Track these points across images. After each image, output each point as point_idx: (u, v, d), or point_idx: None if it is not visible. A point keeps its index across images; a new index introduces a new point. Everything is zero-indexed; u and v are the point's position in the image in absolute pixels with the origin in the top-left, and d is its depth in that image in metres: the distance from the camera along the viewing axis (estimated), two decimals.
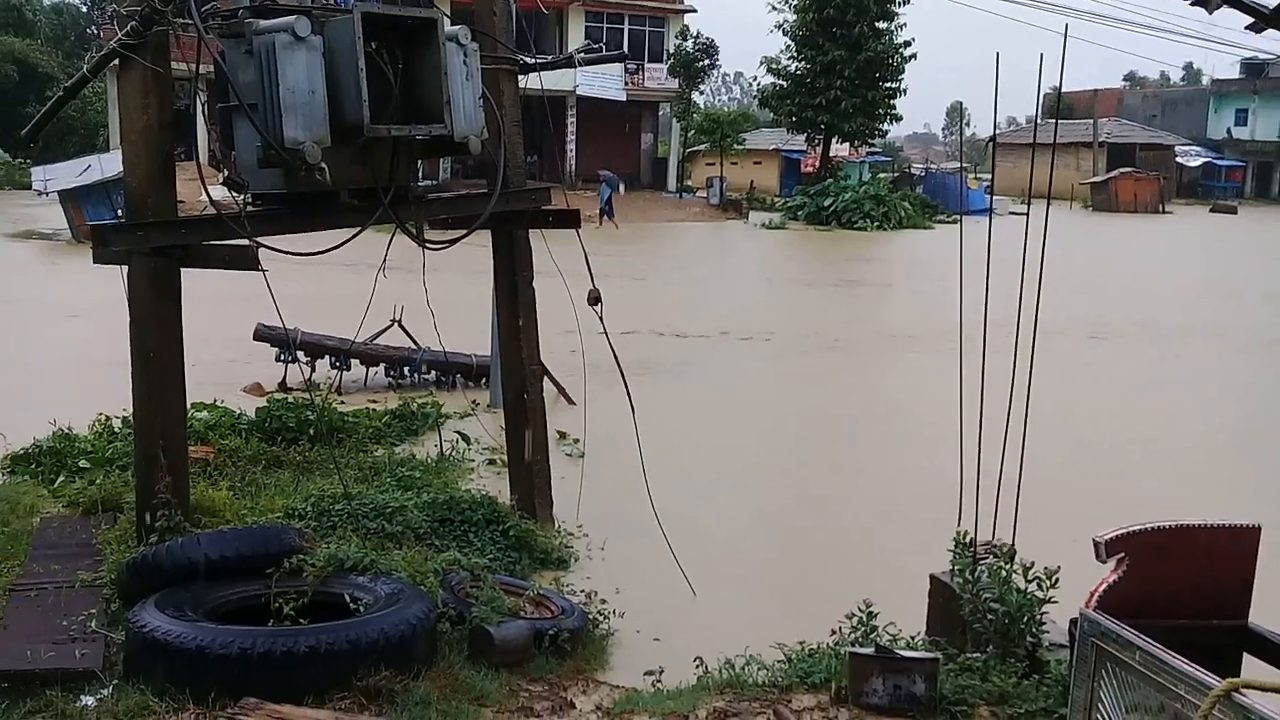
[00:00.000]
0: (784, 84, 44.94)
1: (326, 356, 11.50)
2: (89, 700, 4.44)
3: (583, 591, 6.04)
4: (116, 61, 5.91)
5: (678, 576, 6.30)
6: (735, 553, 7.28)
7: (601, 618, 5.70)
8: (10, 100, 55.10)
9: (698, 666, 5.03)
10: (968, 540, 5.04)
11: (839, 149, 47.73)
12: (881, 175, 49.66)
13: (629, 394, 6.81)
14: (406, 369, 11.77)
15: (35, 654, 4.63)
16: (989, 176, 56.63)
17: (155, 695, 4.40)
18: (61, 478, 7.76)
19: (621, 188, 36.42)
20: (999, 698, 4.52)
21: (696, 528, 7.33)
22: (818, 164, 46.75)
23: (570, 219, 7.13)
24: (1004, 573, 4.89)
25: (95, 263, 6.21)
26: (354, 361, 11.61)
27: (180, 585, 4.97)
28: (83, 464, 7.93)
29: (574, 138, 41.63)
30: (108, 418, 8.78)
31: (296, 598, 4.95)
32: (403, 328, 11.99)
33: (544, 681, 4.97)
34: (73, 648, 4.75)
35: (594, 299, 6.98)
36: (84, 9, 67.54)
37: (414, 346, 11.89)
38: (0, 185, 42.01)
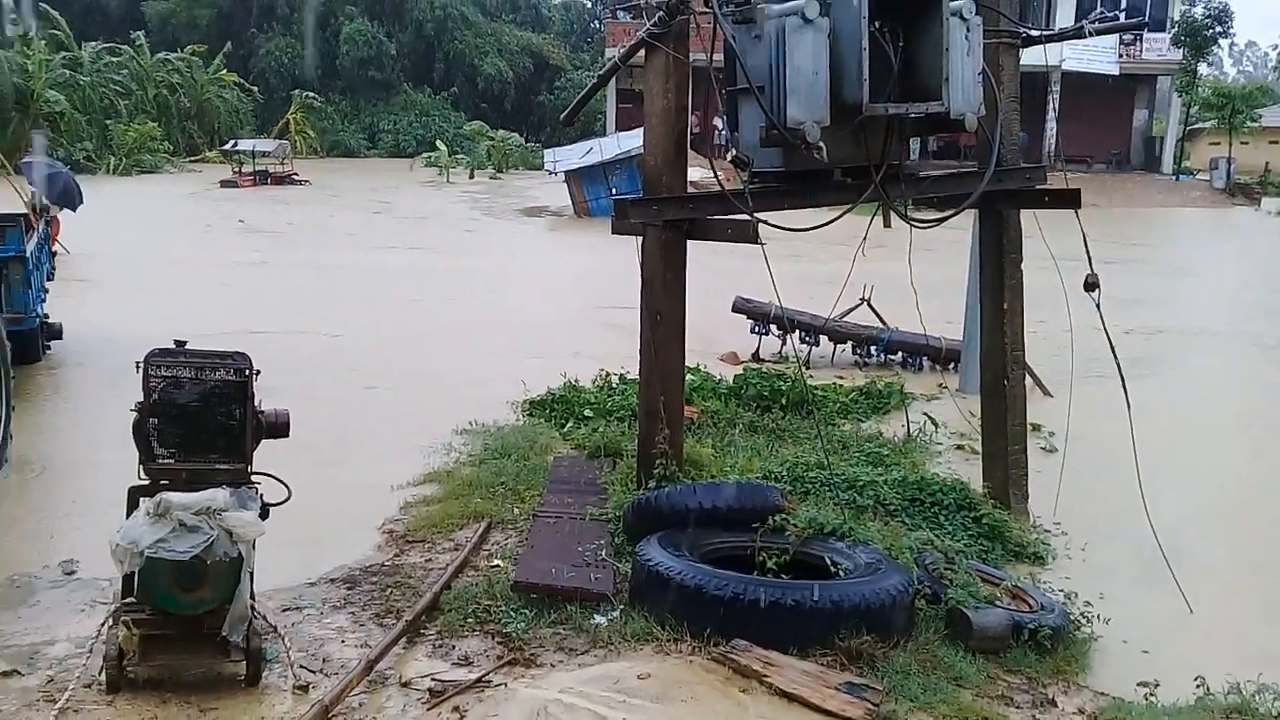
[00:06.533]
0: None
1: (797, 331, 11.90)
2: (601, 620, 5.01)
3: (1061, 591, 5.76)
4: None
5: (1170, 588, 5.81)
6: (1236, 571, 6.56)
7: (1084, 620, 5.40)
8: (525, 90, 62.29)
9: (1198, 686, 4.63)
10: None
11: None
12: None
13: (1125, 389, 6.34)
14: (873, 348, 11.86)
15: (558, 573, 5.31)
16: None
17: (657, 624, 4.88)
18: (570, 423, 8.75)
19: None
20: None
21: (1189, 539, 6.68)
22: None
23: (1070, 199, 6.76)
24: None
25: (614, 233, 6.90)
26: (822, 338, 11.91)
27: (676, 528, 5.44)
28: (586, 413, 8.88)
29: (1055, 115, 39.11)
30: (608, 373, 9.75)
31: (779, 554, 5.23)
32: (872, 307, 12.10)
33: (1022, 674, 4.83)
34: (588, 572, 5.38)
35: (1091, 284, 6.57)
36: (589, 4, 74.42)
37: (882, 326, 11.95)
38: (515, 166, 47.44)
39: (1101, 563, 6.43)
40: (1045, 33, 7.47)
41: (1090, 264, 6.54)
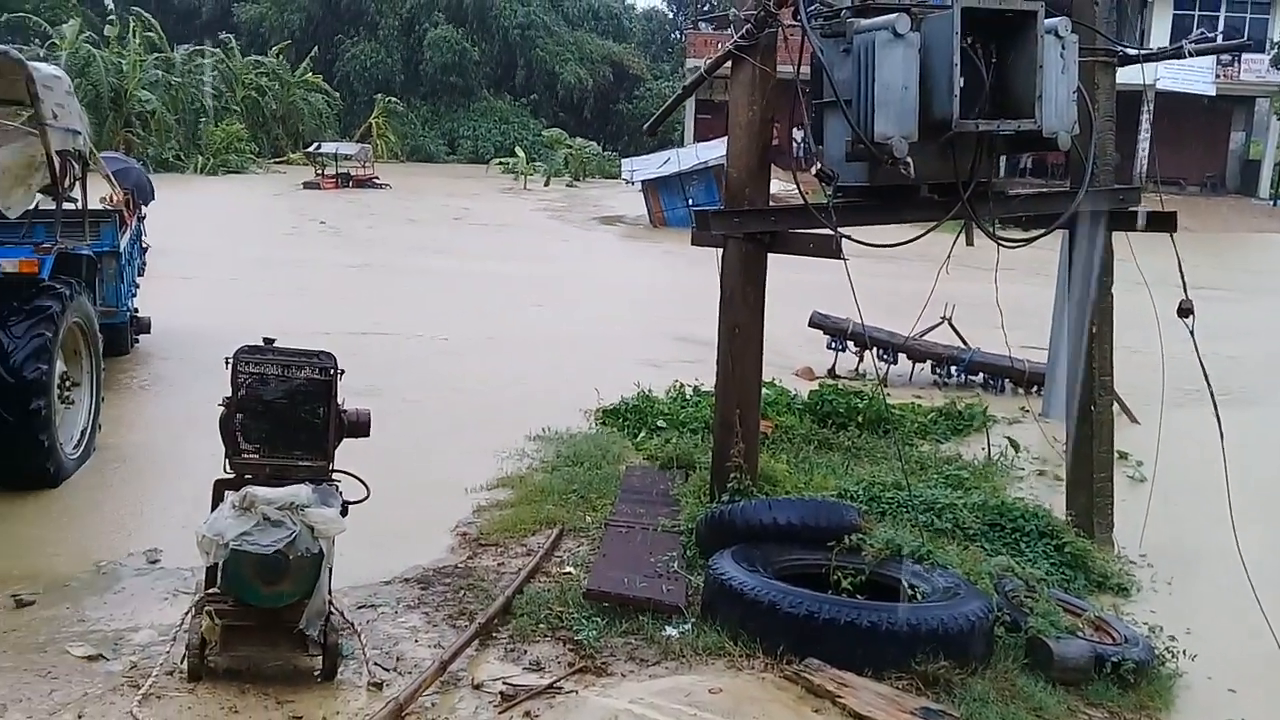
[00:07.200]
0: None
1: (874, 348, 11.74)
2: (672, 631, 4.99)
3: (1145, 624, 5.59)
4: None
5: (1259, 625, 5.59)
6: None
7: (1168, 655, 5.24)
8: (605, 98, 62.61)
9: None
10: None
11: None
12: None
13: (1218, 418, 6.15)
14: (953, 368, 11.66)
15: (630, 583, 5.30)
16: None
17: (729, 638, 4.84)
18: (642, 433, 8.75)
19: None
20: None
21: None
22: None
23: (1165, 221, 6.60)
24: None
25: (694, 244, 6.90)
26: (900, 356, 11.74)
27: (750, 543, 5.40)
28: (660, 423, 8.89)
29: (1147, 135, 38.17)
30: (681, 384, 9.74)
31: (854, 574, 5.16)
32: (953, 326, 11.90)
33: (1103, 708, 4.70)
34: (660, 583, 5.37)
35: (1185, 310, 6.38)
36: (670, 15, 74.63)
37: (963, 346, 11.75)
38: (591, 174, 47.65)
39: (1188, 596, 6.25)
40: (1143, 51, 7.30)
41: (1185, 289, 6.36)
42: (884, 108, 5.48)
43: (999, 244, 6.41)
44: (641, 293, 18.31)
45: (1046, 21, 5.69)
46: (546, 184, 42.79)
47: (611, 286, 18.99)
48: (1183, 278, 6.32)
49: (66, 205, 8.59)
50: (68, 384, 7.45)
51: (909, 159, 5.51)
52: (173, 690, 4.42)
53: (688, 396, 9.56)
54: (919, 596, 4.97)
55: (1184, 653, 5.26)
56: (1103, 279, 6.88)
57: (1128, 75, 7.19)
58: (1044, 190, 7.50)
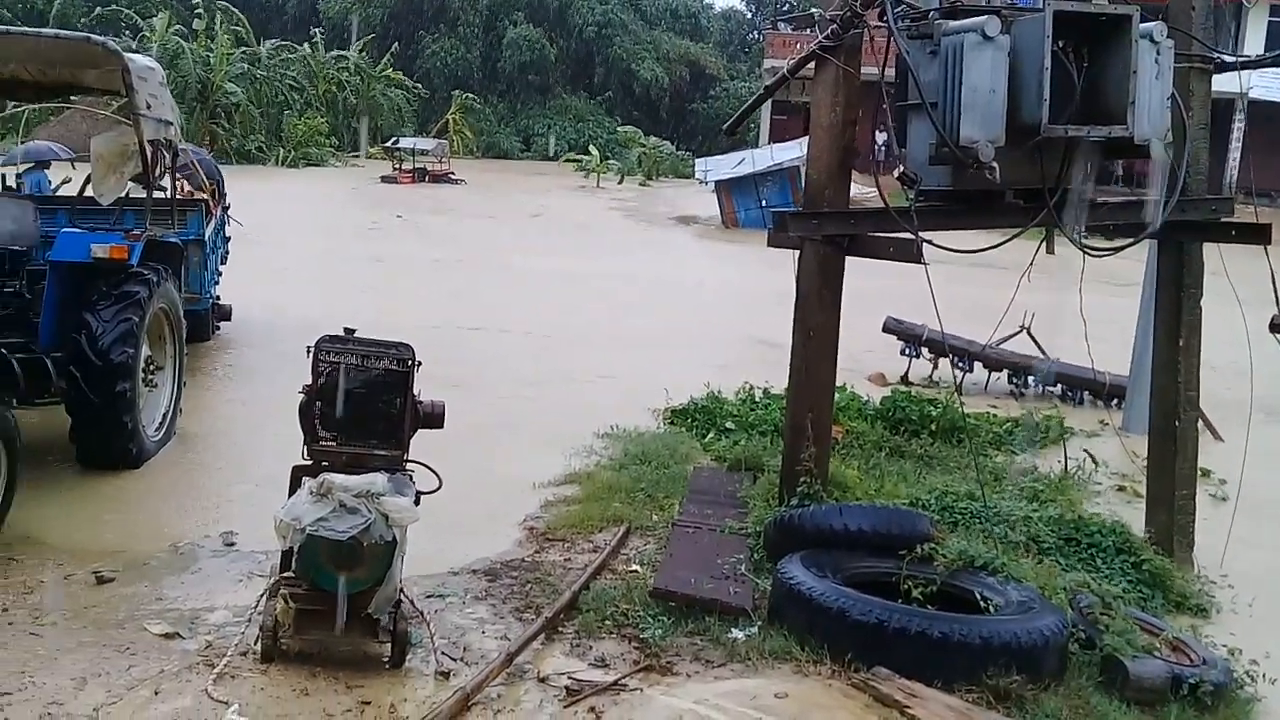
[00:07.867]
0: None
1: (949, 356, 11.54)
2: (739, 634, 4.96)
3: (1224, 646, 5.43)
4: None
5: None
6: None
7: (1248, 679, 5.08)
8: (680, 98, 62.61)
9: None
10: None
11: None
12: None
13: None
14: (1031, 379, 11.42)
15: (697, 583, 5.28)
16: None
17: (796, 643, 4.80)
18: (711, 434, 8.72)
19: None
20: None
21: None
22: None
23: (1259, 233, 6.39)
24: None
25: (770, 245, 6.84)
26: (976, 364, 11.54)
27: (818, 548, 5.34)
28: (728, 425, 8.85)
29: (1238, 145, 37.03)
30: (751, 387, 9.69)
31: (925, 584, 5.08)
32: (1032, 336, 11.66)
33: None
34: (726, 585, 5.34)
35: (1277, 326, 6.19)
36: (748, 15, 74.37)
37: (1041, 357, 11.51)
38: (665, 174, 47.61)
39: (1269, 619, 6.04)
40: (1240, 58, 7.08)
41: (1277, 303, 6.16)
42: (971, 111, 5.39)
43: (1085, 252, 6.26)
44: (713, 293, 18.26)
45: (1141, 26, 5.54)
46: (620, 182, 42.85)
47: (683, 286, 18.94)
48: (1275, 292, 6.12)
49: (155, 194, 8.80)
50: (151, 368, 7.65)
51: (995, 163, 5.40)
52: (246, 670, 4.50)
53: (757, 399, 9.51)
54: (992, 609, 4.88)
55: (1264, 676, 5.10)
56: (1191, 291, 6.68)
57: (1220, 83, 6.99)
58: (1135, 199, 7.30)
